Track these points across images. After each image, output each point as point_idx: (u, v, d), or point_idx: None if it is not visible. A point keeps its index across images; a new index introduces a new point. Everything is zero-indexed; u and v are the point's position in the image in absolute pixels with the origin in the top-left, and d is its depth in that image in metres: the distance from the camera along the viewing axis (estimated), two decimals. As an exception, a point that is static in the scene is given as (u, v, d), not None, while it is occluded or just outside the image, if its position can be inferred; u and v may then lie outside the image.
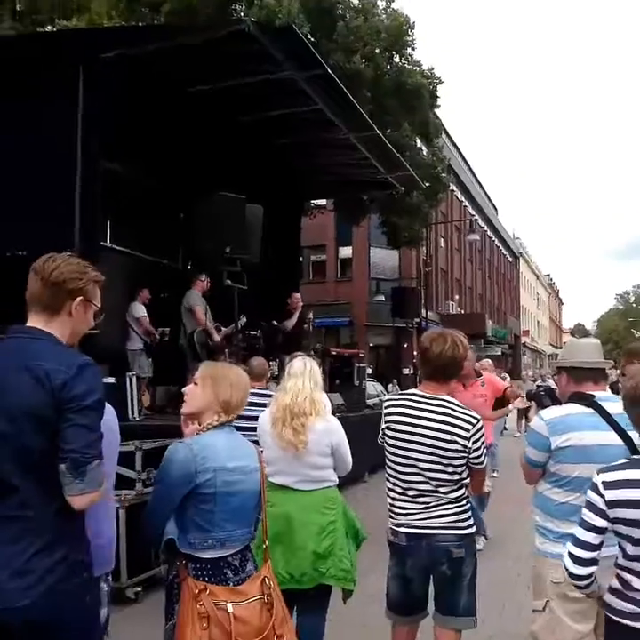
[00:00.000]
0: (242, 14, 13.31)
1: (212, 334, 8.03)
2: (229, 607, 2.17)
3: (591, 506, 1.99)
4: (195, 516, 2.24)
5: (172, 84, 7.37)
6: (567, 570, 2.07)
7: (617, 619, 1.95)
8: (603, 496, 1.95)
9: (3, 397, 1.82)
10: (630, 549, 1.92)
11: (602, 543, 2.00)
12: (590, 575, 2.04)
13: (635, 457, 1.98)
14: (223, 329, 8.20)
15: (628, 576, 1.94)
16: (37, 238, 6.02)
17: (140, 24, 13.42)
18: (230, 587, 2.26)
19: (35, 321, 1.95)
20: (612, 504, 1.93)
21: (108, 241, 8.86)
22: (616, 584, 1.98)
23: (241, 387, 2.48)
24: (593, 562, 2.01)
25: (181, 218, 9.75)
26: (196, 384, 2.43)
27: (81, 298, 1.98)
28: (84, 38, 6.91)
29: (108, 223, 8.95)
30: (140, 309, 8.31)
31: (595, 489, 1.99)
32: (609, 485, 1.95)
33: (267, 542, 2.51)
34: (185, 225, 9.42)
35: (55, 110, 6.12)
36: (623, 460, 2.01)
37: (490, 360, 8.50)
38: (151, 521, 2.29)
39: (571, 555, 2.05)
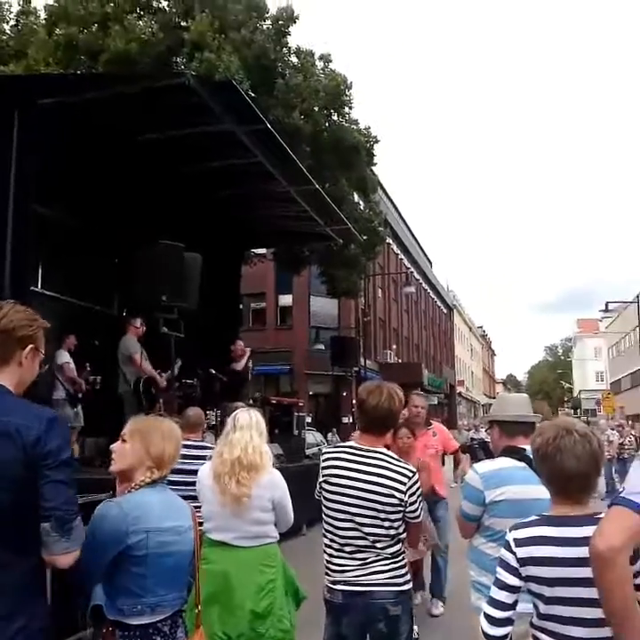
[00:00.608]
0: (182, 67, 13.52)
1: (157, 382, 7.83)
2: None
3: (504, 563, 1.93)
4: (125, 580, 2.12)
5: (111, 132, 7.34)
6: (483, 631, 1.99)
7: None
8: (514, 553, 1.90)
9: None
10: (542, 608, 1.88)
11: (516, 602, 1.93)
12: (505, 636, 1.95)
13: (545, 514, 1.96)
14: (163, 375, 8.02)
15: (541, 635, 1.89)
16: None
17: (80, 72, 13.42)
18: None
19: None
20: (523, 562, 1.88)
21: (39, 286, 8.60)
22: None
23: (173, 440, 2.39)
24: (507, 621, 1.94)
25: (116, 263, 9.60)
26: (124, 440, 2.32)
27: (32, 346, 1.92)
28: (22, 83, 6.85)
29: (40, 268, 8.71)
30: (63, 356, 8.03)
31: (507, 546, 1.93)
32: (520, 542, 1.90)
33: (199, 606, 2.41)
34: (120, 271, 9.27)
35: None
36: (534, 517, 1.95)
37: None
38: (79, 583, 2.15)
39: (485, 615, 1.97)
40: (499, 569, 1.96)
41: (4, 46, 15.59)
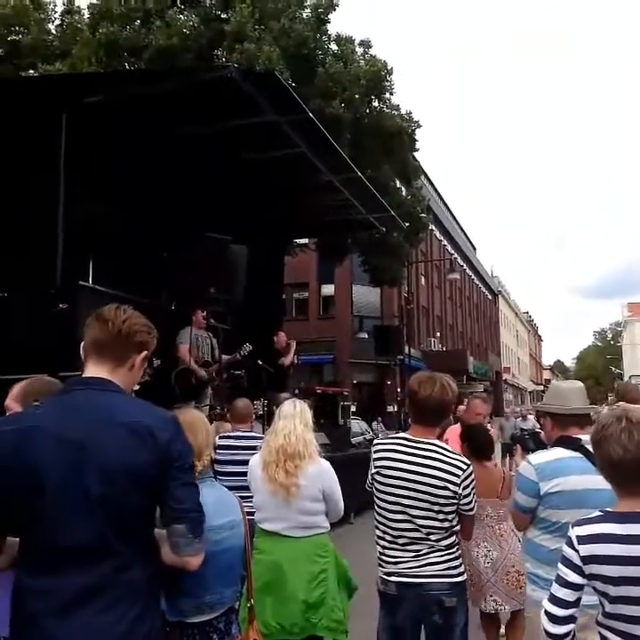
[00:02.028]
0: (223, 60, 13.56)
1: (195, 372, 7.93)
2: None
3: (566, 561, 1.89)
4: (184, 581, 2.11)
5: (156, 127, 7.43)
6: (544, 628, 1.96)
7: None
8: (577, 551, 1.85)
9: (97, 456, 1.70)
10: (608, 607, 1.83)
11: (579, 600, 1.89)
12: (567, 634, 1.91)
13: (608, 509, 1.89)
14: (225, 357, 8.08)
15: (607, 633, 1.85)
16: (18, 279, 6.01)
17: (123, 69, 13.60)
18: None
19: (96, 371, 1.87)
20: (587, 560, 1.83)
21: (91, 281, 8.80)
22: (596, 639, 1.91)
23: (206, 429, 2.43)
24: (569, 619, 1.90)
25: (165, 257, 9.75)
26: None
27: (146, 352, 1.95)
28: (68, 83, 6.99)
29: (91, 263, 8.91)
30: None
31: (569, 543, 1.89)
32: (583, 540, 1.85)
33: (252, 601, 2.43)
34: (169, 264, 9.42)
35: (39, 152, 6.15)
36: (597, 513, 1.89)
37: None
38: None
39: (546, 612, 1.94)
40: (560, 566, 1.92)
41: (50, 45, 15.94)
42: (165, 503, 1.76)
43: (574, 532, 1.89)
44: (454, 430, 5.56)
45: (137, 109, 6.82)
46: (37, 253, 6.11)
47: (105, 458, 1.70)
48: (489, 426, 5.71)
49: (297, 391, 10.16)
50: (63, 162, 6.12)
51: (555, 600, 1.92)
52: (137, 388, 6.75)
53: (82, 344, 1.92)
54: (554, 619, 1.92)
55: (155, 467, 1.73)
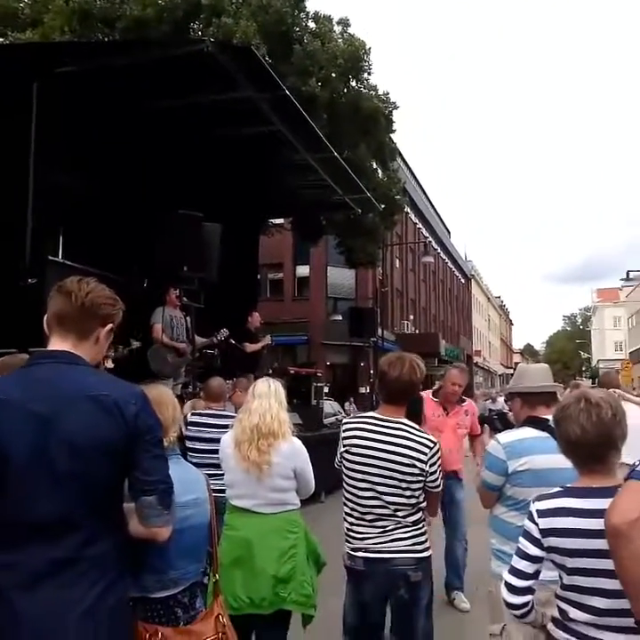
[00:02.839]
0: (199, 33, 13.31)
1: (170, 351, 7.84)
2: None
3: (526, 534, 1.96)
4: (148, 556, 2.10)
5: (129, 99, 7.29)
6: (503, 598, 2.05)
7: None
8: (537, 524, 1.92)
9: (64, 429, 1.68)
10: (565, 579, 1.90)
11: (537, 572, 1.96)
12: (525, 604, 1.99)
13: (568, 485, 1.95)
14: (201, 339, 8.01)
15: (564, 605, 1.91)
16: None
17: (97, 39, 13.27)
18: (181, 627, 2.16)
19: (60, 343, 1.84)
20: (546, 532, 1.90)
21: (60, 256, 8.64)
22: (556, 613, 1.97)
23: (173, 405, 2.39)
24: (527, 590, 1.97)
25: (137, 234, 9.62)
26: None
27: (111, 325, 1.92)
28: (39, 52, 6.79)
29: (61, 238, 8.75)
30: None
31: (530, 517, 1.95)
32: (543, 513, 1.92)
33: (217, 576, 2.43)
34: (141, 242, 9.30)
35: (8, 123, 5.99)
36: (558, 488, 1.96)
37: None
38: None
39: (506, 583, 2.01)
40: (521, 539, 1.98)
41: (20, 14, 15.44)
42: (134, 476, 1.76)
43: (534, 507, 1.96)
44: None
45: (110, 81, 6.67)
46: (6, 227, 5.97)
47: (72, 432, 1.68)
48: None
49: (271, 371, 10.16)
50: (34, 132, 5.97)
51: (514, 571, 1.99)
52: (111, 366, 6.68)
53: (45, 317, 1.89)
54: (513, 589, 1.99)
55: (123, 440, 1.73)
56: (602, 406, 1.88)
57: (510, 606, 2.02)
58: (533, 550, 1.93)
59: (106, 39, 13.21)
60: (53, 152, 6.22)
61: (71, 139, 6.95)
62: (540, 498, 1.97)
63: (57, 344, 1.85)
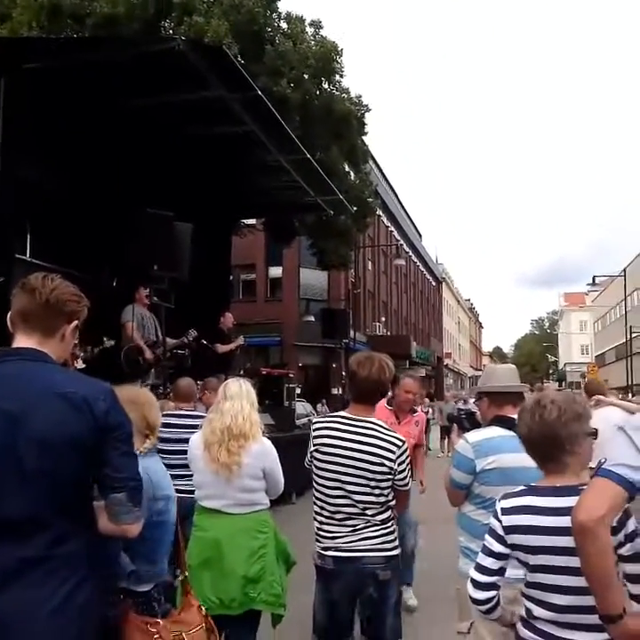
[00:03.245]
0: (170, 32, 13.21)
1: (143, 351, 7.77)
2: (185, 637, 2.15)
3: (491, 531, 2.00)
4: (141, 547, 2.13)
5: (100, 97, 7.19)
6: (469, 594, 2.08)
7: None
8: (501, 522, 1.96)
9: (32, 427, 1.66)
10: (528, 576, 1.93)
11: (502, 569, 1.99)
12: (489, 599, 2.02)
13: (533, 484, 1.99)
14: (170, 341, 7.95)
15: (528, 603, 1.94)
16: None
17: (66, 35, 13.08)
18: (174, 616, 2.21)
19: (26, 341, 1.81)
20: (509, 530, 1.93)
21: (28, 255, 8.49)
22: (522, 612, 2.01)
23: (157, 407, 2.47)
24: (491, 586, 2.00)
25: (107, 233, 9.50)
26: None
27: (76, 322, 1.89)
28: (7, 47, 6.67)
29: (29, 237, 8.59)
30: None
31: (495, 514, 2.00)
32: (506, 511, 1.95)
33: (186, 574, 2.44)
34: (111, 240, 9.19)
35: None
36: (522, 487, 2.00)
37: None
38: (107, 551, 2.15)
39: (471, 579, 2.05)
40: (486, 536, 2.02)
41: (-13, 8, 15.15)
42: (104, 473, 1.75)
43: (499, 505, 2.00)
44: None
45: (80, 77, 6.58)
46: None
47: (41, 430, 1.67)
48: (421, 408, 5.57)
49: (242, 372, 10.11)
50: (1, 127, 5.86)
51: (479, 568, 2.02)
52: (83, 366, 6.58)
53: (8, 314, 1.86)
54: (477, 585, 2.03)
55: (92, 437, 1.72)
56: (546, 407, 1.93)
57: (475, 602, 2.05)
58: (498, 547, 1.96)
59: (75, 36, 13.02)
60: (22, 148, 6.11)
61: (40, 135, 6.84)
62: (506, 496, 2.00)
63: (22, 341, 1.82)
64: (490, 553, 1.99)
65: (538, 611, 1.90)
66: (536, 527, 1.87)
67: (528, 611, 1.94)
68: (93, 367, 7.92)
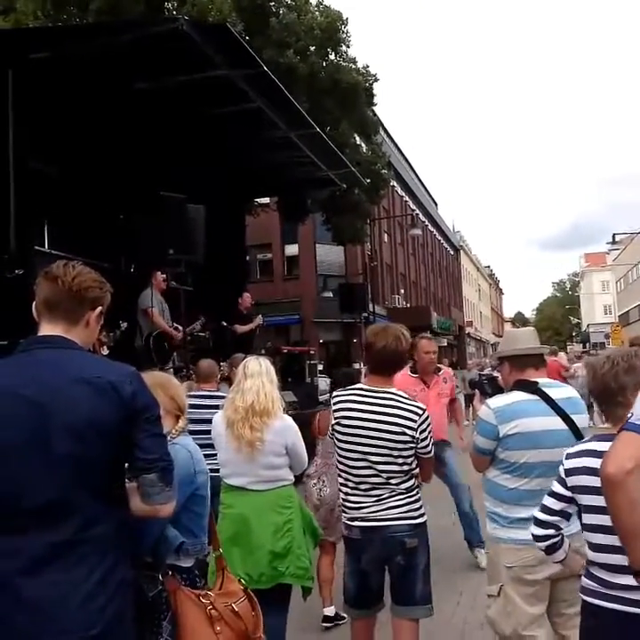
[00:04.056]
0: (174, 12, 13.08)
1: (171, 336, 7.80)
2: (235, 607, 2.20)
3: (557, 476, 2.12)
4: (186, 521, 2.20)
5: (106, 82, 7.18)
6: (531, 531, 2.21)
7: (583, 597, 2.00)
8: (563, 465, 2.07)
9: (61, 414, 1.68)
10: (583, 518, 2.00)
11: (563, 511, 2.09)
12: (547, 537, 2.14)
13: (598, 432, 2.08)
14: (180, 329, 8.03)
15: (585, 549, 2.01)
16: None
17: (70, 23, 13.03)
18: (218, 590, 2.25)
19: (51, 329, 1.83)
20: (569, 472, 2.04)
21: (47, 246, 8.58)
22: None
23: (183, 389, 2.53)
24: (550, 525, 2.12)
25: (121, 219, 9.54)
26: None
27: (100, 308, 1.90)
28: (12, 39, 6.67)
29: (46, 228, 8.67)
30: None
31: (562, 460, 2.11)
32: (571, 455, 2.06)
33: (220, 550, 2.48)
34: (126, 227, 9.23)
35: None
36: (594, 434, 2.12)
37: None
38: (149, 526, 2.15)
39: (534, 517, 2.18)
40: (553, 481, 2.14)
41: (-10, 1, 15.12)
42: (134, 455, 1.77)
43: (568, 450, 2.11)
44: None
45: (86, 64, 6.56)
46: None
47: (70, 416, 1.69)
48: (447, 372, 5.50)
49: (263, 351, 10.17)
50: (12, 120, 5.88)
51: (542, 507, 2.16)
52: (106, 352, 6.66)
53: (33, 304, 1.88)
54: (537, 522, 2.17)
55: (121, 421, 1.74)
56: (601, 362, 2.05)
57: (534, 538, 2.19)
58: (558, 488, 2.09)
59: (79, 22, 12.96)
60: (33, 140, 6.15)
61: (50, 125, 6.86)
62: (575, 444, 2.15)
63: (48, 330, 1.84)
64: (551, 493, 2.12)
65: (590, 554, 1.97)
66: (591, 468, 1.93)
67: (588, 560, 2.00)
68: (118, 351, 8.04)
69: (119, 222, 9.59)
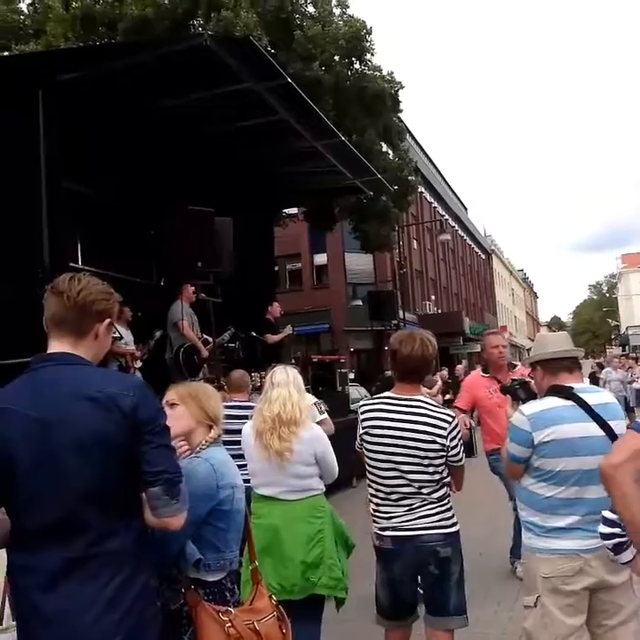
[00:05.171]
0: (199, 29, 13.29)
1: (200, 350, 7.89)
2: (257, 626, 2.14)
3: None
4: (210, 536, 2.17)
5: (133, 100, 7.32)
6: (598, 530, 2.19)
7: None
8: None
9: (67, 430, 1.69)
10: None
11: None
12: (613, 535, 2.10)
13: None
14: (210, 340, 8.11)
15: None
16: (6, 263, 5.97)
17: (97, 43, 13.33)
18: (246, 606, 2.22)
19: (59, 345, 1.83)
20: None
21: (80, 262, 8.75)
22: None
23: (219, 399, 2.49)
24: (617, 524, 2.07)
25: (152, 234, 9.68)
26: (172, 405, 2.37)
27: (109, 320, 1.90)
28: (41, 61, 6.86)
29: (79, 245, 8.85)
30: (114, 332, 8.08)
31: None
32: None
33: (256, 562, 2.45)
34: (156, 241, 9.36)
35: (16, 135, 6.06)
36: None
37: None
38: (168, 542, 2.12)
39: (602, 516, 2.15)
40: None
41: (22, 25, 15.56)
42: (141, 468, 1.75)
43: None
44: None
45: (113, 83, 6.70)
46: (24, 236, 6.05)
47: (75, 432, 1.69)
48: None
49: (293, 361, 10.19)
50: (43, 140, 6.03)
51: (611, 507, 2.10)
52: (139, 365, 6.78)
53: (43, 319, 1.89)
54: (605, 521, 2.16)
55: (124, 434, 1.72)
56: None
57: (601, 536, 2.17)
58: None
59: (104, 42, 13.25)
60: (63, 158, 6.28)
61: (80, 144, 7.00)
62: None
63: (55, 346, 1.84)
64: None
65: None
66: None
67: None
68: (150, 365, 8.13)
69: (149, 237, 9.74)
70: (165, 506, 1.76)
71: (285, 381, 3.26)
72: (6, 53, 14.35)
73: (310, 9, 14.70)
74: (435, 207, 37.89)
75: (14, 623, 1.85)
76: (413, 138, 30.47)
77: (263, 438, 3.16)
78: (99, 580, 1.69)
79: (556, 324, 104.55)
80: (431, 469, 2.81)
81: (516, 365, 5.06)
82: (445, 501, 2.88)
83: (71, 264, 7.62)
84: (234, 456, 3.58)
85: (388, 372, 4.05)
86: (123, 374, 1.89)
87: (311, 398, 4.77)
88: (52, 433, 1.69)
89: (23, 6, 16.52)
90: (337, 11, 15.00)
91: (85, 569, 1.68)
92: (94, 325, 1.87)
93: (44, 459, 1.69)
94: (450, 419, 2.85)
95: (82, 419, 1.71)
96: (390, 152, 17.14)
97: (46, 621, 1.65)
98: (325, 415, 4.51)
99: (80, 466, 1.69)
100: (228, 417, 4.62)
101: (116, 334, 8.09)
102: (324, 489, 3.32)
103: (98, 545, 1.70)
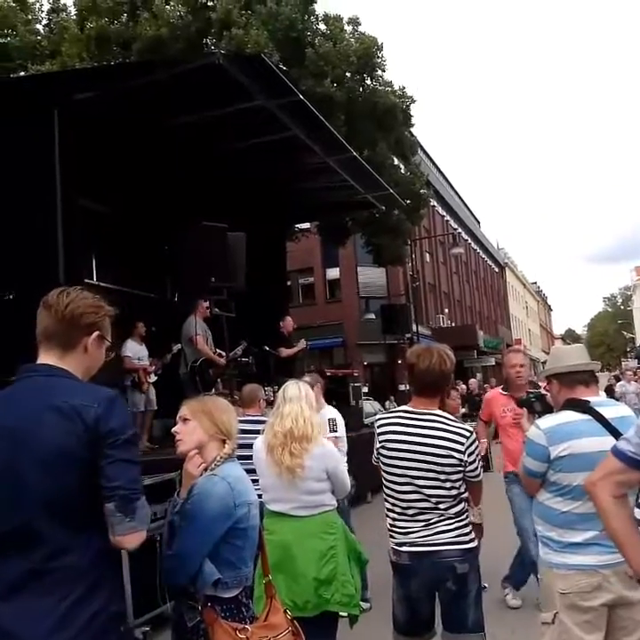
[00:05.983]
0: (212, 47, 13.47)
1: (216, 362, 7.90)
2: None
3: None
4: (227, 554, 2.15)
5: (147, 119, 7.42)
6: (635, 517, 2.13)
7: None
8: None
9: (33, 441, 1.68)
10: None
11: None
12: None
13: None
14: (223, 355, 8.13)
15: None
16: (23, 280, 6.04)
17: (112, 63, 13.54)
18: (262, 622, 2.20)
19: (47, 357, 1.84)
20: None
21: (95, 278, 8.84)
22: None
23: (233, 413, 2.47)
24: None
25: (166, 250, 9.77)
26: (185, 421, 2.37)
27: (97, 333, 1.89)
28: (57, 81, 6.98)
29: (94, 261, 8.94)
30: (126, 348, 8.11)
31: None
32: None
33: (269, 576, 2.44)
34: (170, 257, 9.44)
35: (33, 153, 6.15)
36: None
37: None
38: (186, 561, 2.12)
39: (636, 502, 2.19)
40: None
41: (39, 46, 15.86)
42: (99, 483, 1.71)
43: None
44: (493, 391, 5.20)
45: (127, 102, 6.80)
46: (40, 253, 6.12)
47: (39, 444, 1.68)
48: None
49: (313, 371, 10.15)
50: (58, 157, 6.12)
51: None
52: (154, 379, 6.88)
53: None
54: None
55: (84, 446, 1.69)
56: None
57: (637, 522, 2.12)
58: None
59: (118, 62, 13.47)
60: (79, 176, 6.37)
61: (95, 161, 7.10)
62: None
63: (42, 358, 1.86)
64: None
65: None
66: None
67: None
68: (165, 379, 8.16)
69: (163, 253, 9.82)
70: (119, 523, 1.70)
71: (297, 397, 3.25)
72: (23, 73, 14.63)
73: (322, 26, 14.87)
74: (447, 220, 37.89)
75: None
76: (425, 152, 30.58)
77: (274, 454, 3.14)
78: (54, 595, 1.65)
79: (570, 337, 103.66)
80: (448, 485, 2.78)
81: (539, 386, 4.79)
82: (463, 517, 2.84)
83: (86, 280, 7.71)
84: (247, 471, 3.58)
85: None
86: (95, 387, 1.86)
87: (332, 411, 4.75)
88: (18, 443, 1.69)
89: (40, 27, 16.88)
90: (348, 28, 15.16)
91: (42, 582, 1.66)
92: (82, 338, 1.87)
93: (7, 469, 1.68)
94: (468, 433, 2.82)
95: (46, 430, 1.69)
96: (402, 166, 17.21)
97: (2, 633, 1.63)
98: (337, 433, 4.49)
99: (41, 478, 1.67)
100: (241, 431, 4.65)
101: (128, 353, 8.14)
102: (336, 505, 3.30)
103: (55, 559, 1.67)
